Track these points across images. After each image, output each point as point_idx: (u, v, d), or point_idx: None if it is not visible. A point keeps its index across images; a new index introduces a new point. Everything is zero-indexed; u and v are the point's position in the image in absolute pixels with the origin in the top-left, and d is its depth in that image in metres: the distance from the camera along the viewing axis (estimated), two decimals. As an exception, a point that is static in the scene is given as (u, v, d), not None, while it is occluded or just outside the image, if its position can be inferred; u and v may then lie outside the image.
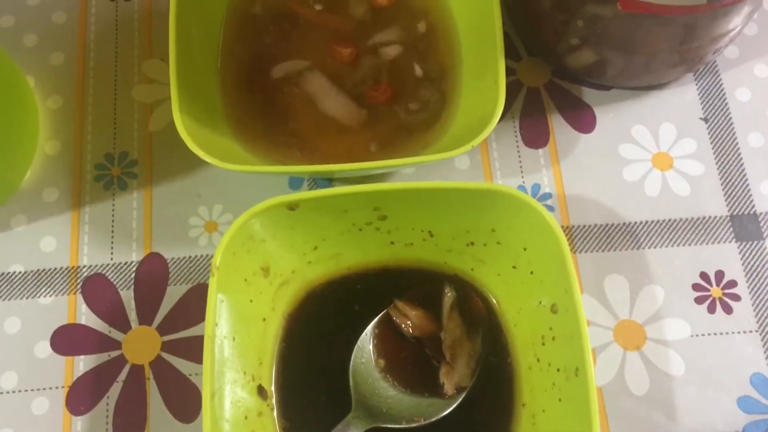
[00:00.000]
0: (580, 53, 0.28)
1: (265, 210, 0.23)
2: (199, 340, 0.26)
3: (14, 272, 0.27)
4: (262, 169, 0.25)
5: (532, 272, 0.24)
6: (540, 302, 0.24)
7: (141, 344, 0.26)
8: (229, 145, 0.27)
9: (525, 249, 0.25)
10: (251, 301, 0.24)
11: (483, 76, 0.27)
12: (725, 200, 0.28)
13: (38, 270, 0.28)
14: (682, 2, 0.24)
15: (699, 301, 0.27)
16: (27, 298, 0.27)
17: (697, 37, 0.26)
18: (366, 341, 0.25)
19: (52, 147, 0.29)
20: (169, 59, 0.26)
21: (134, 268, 0.27)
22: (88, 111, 0.30)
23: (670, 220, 0.28)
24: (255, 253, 0.24)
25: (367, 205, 0.24)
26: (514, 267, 0.25)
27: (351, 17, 0.29)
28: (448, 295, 0.26)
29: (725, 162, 0.29)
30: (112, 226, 0.28)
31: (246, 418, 0.23)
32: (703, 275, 0.27)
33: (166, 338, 0.27)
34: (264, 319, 0.25)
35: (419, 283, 0.26)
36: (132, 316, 0.27)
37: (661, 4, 0.24)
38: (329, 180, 0.29)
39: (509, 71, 0.30)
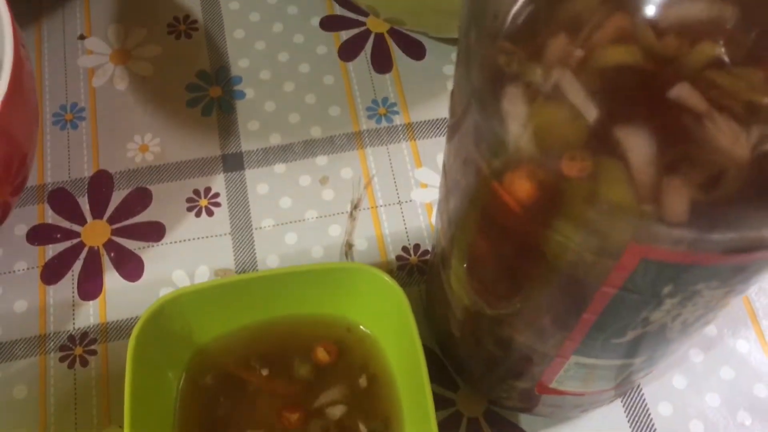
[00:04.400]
0: (510, 401, 0.30)
1: None
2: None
3: None
4: None
5: None
6: None
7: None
8: None
9: None
10: None
11: (422, 423, 0.29)
12: None
13: None
14: (597, 389, 0.26)
15: None
16: None
17: (627, 386, 0.29)
18: None
19: None
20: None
21: None
22: (51, 491, 0.31)
23: None
24: None
25: None
26: None
27: (297, 379, 0.31)
28: None
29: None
30: None
31: None
32: None
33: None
34: None
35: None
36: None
37: (576, 392, 0.27)
38: None
39: (448, 402, 0.32)
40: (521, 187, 0.17)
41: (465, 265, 0.24)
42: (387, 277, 0.30)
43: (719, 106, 0.17)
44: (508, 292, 0.22)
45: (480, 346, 0.27)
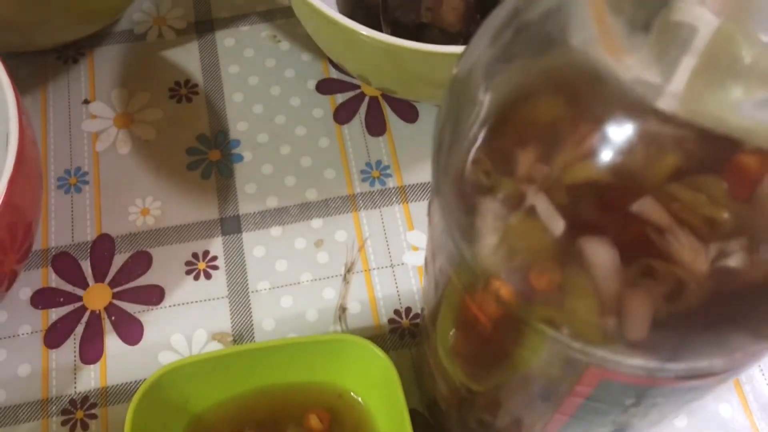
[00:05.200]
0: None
1: None
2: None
3: None
4: None
5: None
6: None
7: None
8: None
9: None
10: None
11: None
12: None
13: None
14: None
15: None
16: None
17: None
18: None
19: None
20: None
21: None
22: None
23: None
24: None
25: None
26: None
27: (289, 448, 0.32)
28: None
29: None
30: None
31: None
32: None
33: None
34: None
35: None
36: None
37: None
38: None
39: (439, 467, 0.33)
40: (489, 306, 0.18)
41: (445, 347, 0.25)
42: (376, 349, 0.31)
43: (680, 220, 0.17)
44: (483, 379, 0.23)
45: (464, 422, 0.28)
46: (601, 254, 0.18)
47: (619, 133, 0.18)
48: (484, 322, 0.19)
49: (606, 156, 0.18)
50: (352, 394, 0.33)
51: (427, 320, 0.27)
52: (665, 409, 0.20)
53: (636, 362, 0.16)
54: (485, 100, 0.20)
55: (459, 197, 0.20)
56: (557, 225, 0.18)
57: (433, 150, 0.21)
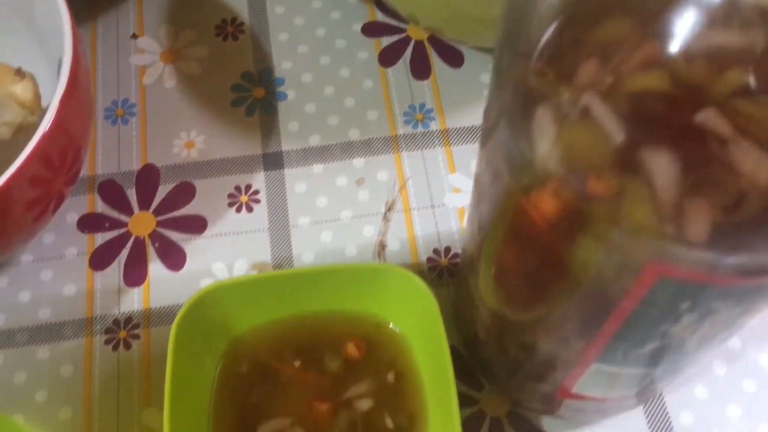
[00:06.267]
0: (533, 403, 0.31)
1: None
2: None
3: None
4: None
5: None
6: None
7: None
8: None
9: None
10: None
11: (446, 429, 0.30)
12: None
13: None
14: (618, 395, 0.27)
15: None
16: None
17: (649, 393, 0.30)
18: None
19: (60, 506, 0.32)
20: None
21: None
22: (93, 466, 0.33)
23: None
24: None
25: None
26: None
27: (327, 372, 0.32)
28: None
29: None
30: None
31: None
32: None
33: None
34: None
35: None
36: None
37: (598, 397, 0.27)
38: None
39: (472, 401, 0.33)
40: (547, 205, 0.18)
41: (492, 272, 0.25)
42: (417, 279, 0.31)
43: (743, 132, 0.17)
44: (532, 301, 0.23)
45: (504, 350, 0.28)
46: (661, 163, 0.17)
47: (685, 42, 0.17)
48: (540, 225, 0.19)
49: (670, 66, 0.18)
50: (390, 325, 0.33)
51: (473, 250, 0.27)
52: (718, 323, 0.19)
53: (695, 256, 0.16)
54: (548, 4, 0.19)
55: (519, 102, 0.20)
56: (617, 133, 0.18)
57: (494, 57, 0.21)
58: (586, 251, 0.18)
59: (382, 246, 0.37)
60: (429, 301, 0.31)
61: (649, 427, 0.33)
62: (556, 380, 0.27)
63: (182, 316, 0.31)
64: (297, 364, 0.33)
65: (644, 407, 0.33)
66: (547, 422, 0.33)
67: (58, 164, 0.33)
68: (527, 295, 0.23)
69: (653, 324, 0.20)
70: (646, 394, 0.30)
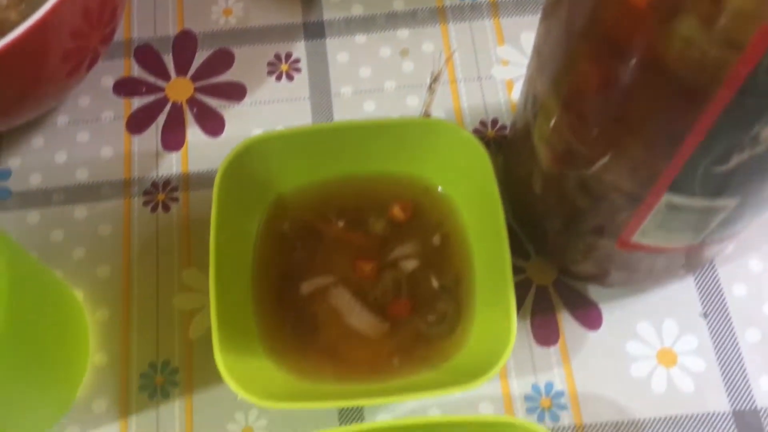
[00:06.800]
0: (583, 266, 0.30)
1: None
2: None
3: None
4: (295, 406, 0.27)
5: None
6: None
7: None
8: (265, 367, 0.29)
9: None
10: None
11: (495, 290, 0.29)
12: (727, 396, 0.30)
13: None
14: (679, 244, 0.26)
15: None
16: None
17: (700, 257, 0.29)
18: None
19: (100, 359, 0.32)
20: (207, 268, 0.29)
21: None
22: (132, 322, 0.32)
23: (675, 417, 0.30)
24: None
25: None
26: None
27: (372, 233, 0.32)
28: None
29: (726, 358, 0.31)
30: (158, 435, 0.31)
31: None
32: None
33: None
34: None
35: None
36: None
37: (657, 246, 0.26)
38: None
39: (519, 270, 0.33)
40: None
41: (564, 103, 0.24)
42: (468, 134, 0.30)
43: None
44: (610, 119, 0.22)
45: (563, 201, 0.27)
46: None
47: None
48: (638, 7, 0.17)
49: None
50: (439, 188, 0.32)
51: (537, 84, 0.26)
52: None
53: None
54: None
55: None
56: None
57: None
58: (688, 28, 0.17)
59: (426, 116, 0.36)
60: (480, 156, 0.30)
61: (701, 298, 0.32)
62: (617, 227, 0.26)
63: (227, 163, 0.30)
64: (341, 224, 0.32)
65: (695, 278, 0.32)
66: (593, 292, 0.32)
67: (96, 19, 0.32)
68: (605, 114, 0.22)
69: (745, 125, 0.18)
70: (700, 257, 0.29)
